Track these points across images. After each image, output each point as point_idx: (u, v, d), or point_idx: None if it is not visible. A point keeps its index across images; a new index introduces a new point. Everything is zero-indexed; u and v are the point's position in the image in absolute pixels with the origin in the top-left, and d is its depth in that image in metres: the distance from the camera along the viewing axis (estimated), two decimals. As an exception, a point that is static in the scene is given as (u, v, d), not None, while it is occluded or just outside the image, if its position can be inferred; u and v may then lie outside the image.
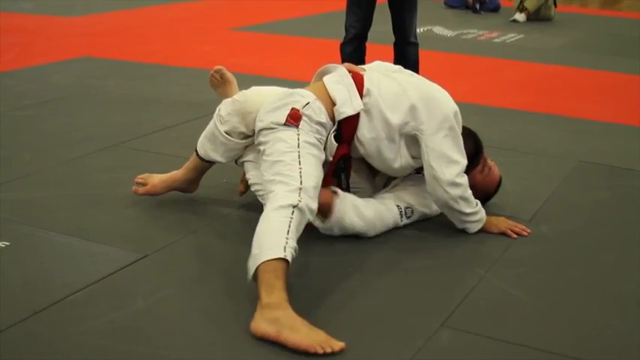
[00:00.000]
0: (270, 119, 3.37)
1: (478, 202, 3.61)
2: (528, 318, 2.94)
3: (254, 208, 3.71)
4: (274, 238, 2.93)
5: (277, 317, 2.75)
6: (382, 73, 3.67)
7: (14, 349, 2.65)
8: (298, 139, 3.30)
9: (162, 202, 3.86)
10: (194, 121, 5.03)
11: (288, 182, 3.13)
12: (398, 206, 3.63)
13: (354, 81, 3.53)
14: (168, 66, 7.08)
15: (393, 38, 5.58)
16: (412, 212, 3.66)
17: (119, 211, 3.78)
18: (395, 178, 3.78)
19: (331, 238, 3.49)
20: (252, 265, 2.90)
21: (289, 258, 2.90)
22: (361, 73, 3.61)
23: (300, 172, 3.17)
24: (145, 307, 2.94)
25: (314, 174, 3.22)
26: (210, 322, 2.85)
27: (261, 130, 3.39)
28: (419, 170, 3.67)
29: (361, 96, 3.49)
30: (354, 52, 5.42)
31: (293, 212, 3.02)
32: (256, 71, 6.29)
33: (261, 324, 2.76)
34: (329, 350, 2.67)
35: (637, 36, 9.50)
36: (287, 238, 2.93)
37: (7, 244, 3.39)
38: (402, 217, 3.62)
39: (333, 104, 3.46)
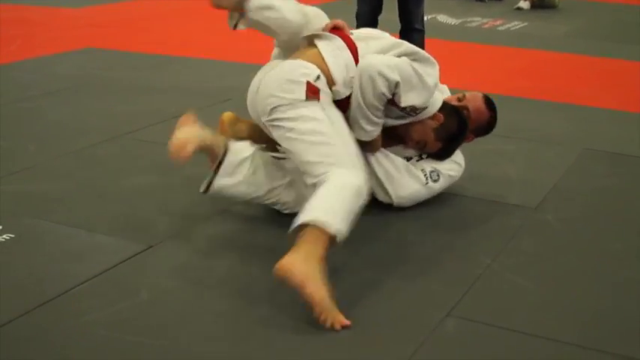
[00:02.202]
0: (290, 95, 3.29)
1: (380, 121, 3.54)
2: (534, 306, 2.94)
3: (258, 198, 3.71)
4: (338, 210, 2.96)
5: (310, 271, 2.78)
6: (375, 39, 3.63)
7: (20, 341, 2.66)
8: (327, 116, 3.28)
9: (167, 194, 3.86)
10: (199, 110, 5.01)
11: (344, 164, 3.16)
12: (422, 170, 3.69)
13: (349, 49, 3.50)
14: (173, 56, 7.06)
15: (399, 26, 5.60)
16: (438, 175, 3.71)
17: (124, 202, 3.78)
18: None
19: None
20: (304, 217, 2.91)
21: (340, 238, 2.93)
22: (351, 37, 3.57)
23: (348, 151, 3.22)
24: (149, 298, 2.94)
25: (356, 150, 3.28)
26: (215, 313, 2.85)
27: (277, 106, 3.31)
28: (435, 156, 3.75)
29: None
30: None
31: (358, 192, 3.07)
32: (265, 60, 6.27)
33: (294, 265, 2.78)
34: (329, 324, 2.74)
35: (642, 23, 9.47)
36: (346, 219, 2.96)
37: (12, 236, 3.39)
38: (427, 179, 3.68)
39: (331, 76, 3.41)
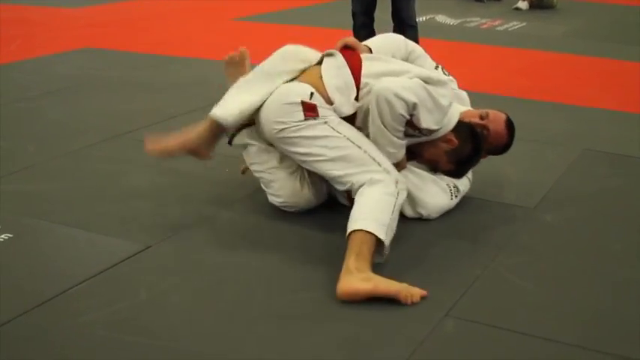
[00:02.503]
0: (289, 118, 3.36)
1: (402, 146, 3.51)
2: (533, 307, 2.93)
3: (258, 198, 3.71)
4: (381, 215, 3.12)
5: (370, 276, 2.96)
6: (383, 61, 3.60)
7: (18, 341, 2.66)
8: (333, 128, 3.36)
9: (165, 194, 3.85)
10: (197, 111, 5.00)
11: (370, 170, 3.26)
12: (447, 184, 3.68)
13: (352, 70, 3.49)
14: (172, 56, 7.06)
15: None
16: (458, 191, 3.70)
17: (122, 202, 3.78)
18: None
19: (332, 226, 3.47)
20: (353, 226, 3.07)
21: (387, 243, 3.10)
22: (361, 56, 3.57)
23: (371, 156, 3.31)
24: (148, 298, 2.94)
25: (375, 149, 3.34)
26: (213, 313, 2.85)
27: (282, 130, 3.38)
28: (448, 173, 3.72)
29: (358, 86, 3.46)
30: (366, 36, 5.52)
31: (398, 194, 3.21)
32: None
33: (354, 282, 2.92)
34: (415, 300, 2.91)
35: (640, 23, 9.48)
36: (390, 219, 3.13)
37: (10, 236, 3.38)
38: (451, 194, 3.67)
39: (327, 95, 3.43)
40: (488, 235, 3.54)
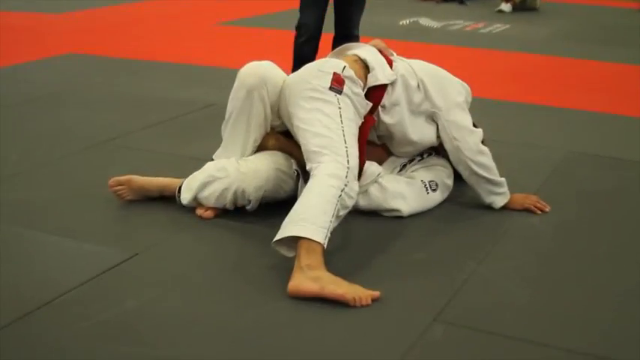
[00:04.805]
0: (315, 81, 3.47)
1: (503, 179, 3.78)
2: (521, 311, 2.94)
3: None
4: (321, 218, 3.08)
5: (319, 275, 2.97)
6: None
7: (3, 352, 2.64)
8: (340, 116, 3.41)
9: (152, 201, 3.83)
10: (182, 117, 5.00)
11: (337, 160, 3.26)
12: (422, 181, 3.75)
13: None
14: (156, 62, 7.05)
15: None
16: (437, 185, 3.78)
17: (108, 209, 3.76)
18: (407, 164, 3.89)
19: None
20: (291, 231, 3.05)
21: (325, 245, 3.06)
22: (387, 55, 3.78)
23: (347, 150, 3.31)
24: (135, 306, 2.92)
25: (355, 154, 3.36)
26: (201, 320, 2.84)
27: (305, 89, 3.48)
28: (432, 152, 3.90)
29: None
30: (311, 52, 5.29)
31: (340, 196, 3.16)
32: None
33: (304, 282, 2.95)
34: (365, 303, 2.91)
35: (623, 25, 9.53)
36: (330, 222, 3.09)
37: (-4, 244, 3.37)
38: (427, 189, 3.74)
39: (364, 75, 3.60)
40: (475, 238, 3.54)
